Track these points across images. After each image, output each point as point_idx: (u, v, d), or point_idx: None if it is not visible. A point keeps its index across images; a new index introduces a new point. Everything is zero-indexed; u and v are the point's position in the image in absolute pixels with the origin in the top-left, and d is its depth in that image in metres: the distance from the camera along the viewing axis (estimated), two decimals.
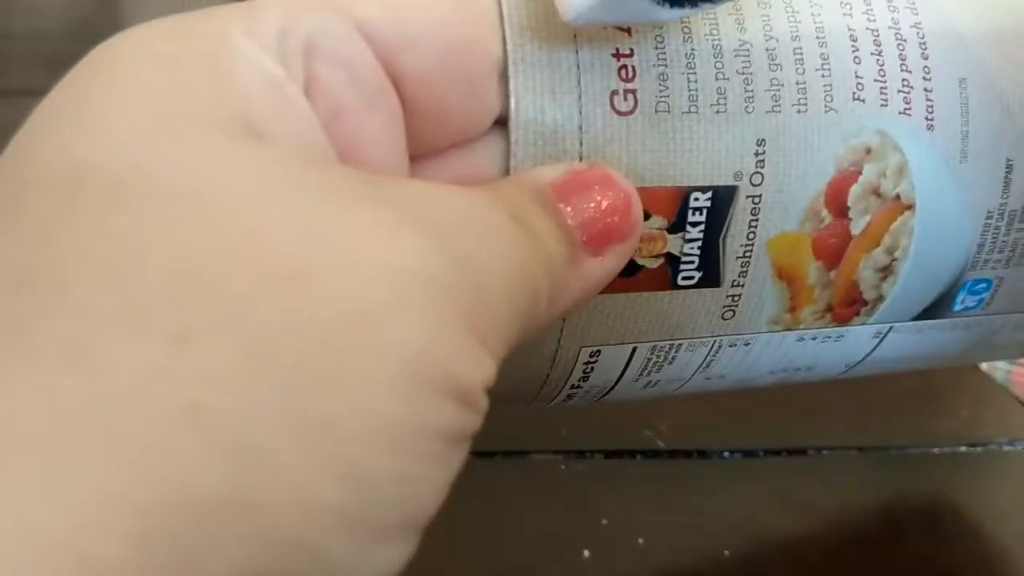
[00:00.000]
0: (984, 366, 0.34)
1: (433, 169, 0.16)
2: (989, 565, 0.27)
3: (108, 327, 0.10)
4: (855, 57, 0.18)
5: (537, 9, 0.16)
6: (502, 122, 0.16)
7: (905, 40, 0.18)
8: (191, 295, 0.11)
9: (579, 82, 0.16)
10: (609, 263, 0.15)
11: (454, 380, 0.12)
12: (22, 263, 0.11)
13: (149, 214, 0.11)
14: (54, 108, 0.13)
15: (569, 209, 0.15)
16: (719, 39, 0.17)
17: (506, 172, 0.16)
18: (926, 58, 0.18)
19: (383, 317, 0.11)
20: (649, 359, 0.19)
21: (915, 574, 0.27)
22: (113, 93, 0.13)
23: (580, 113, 0.16)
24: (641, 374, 0.20)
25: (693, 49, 0.17)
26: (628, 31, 0.16)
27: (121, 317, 0.10)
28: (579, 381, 0.19)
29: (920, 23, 0.19)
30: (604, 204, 0.15)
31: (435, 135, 0.16)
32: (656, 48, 0.17)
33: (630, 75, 0.16)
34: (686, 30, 0.17)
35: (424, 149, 0.16)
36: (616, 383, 0.20)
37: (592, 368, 0.19)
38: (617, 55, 0.16)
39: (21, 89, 0.59)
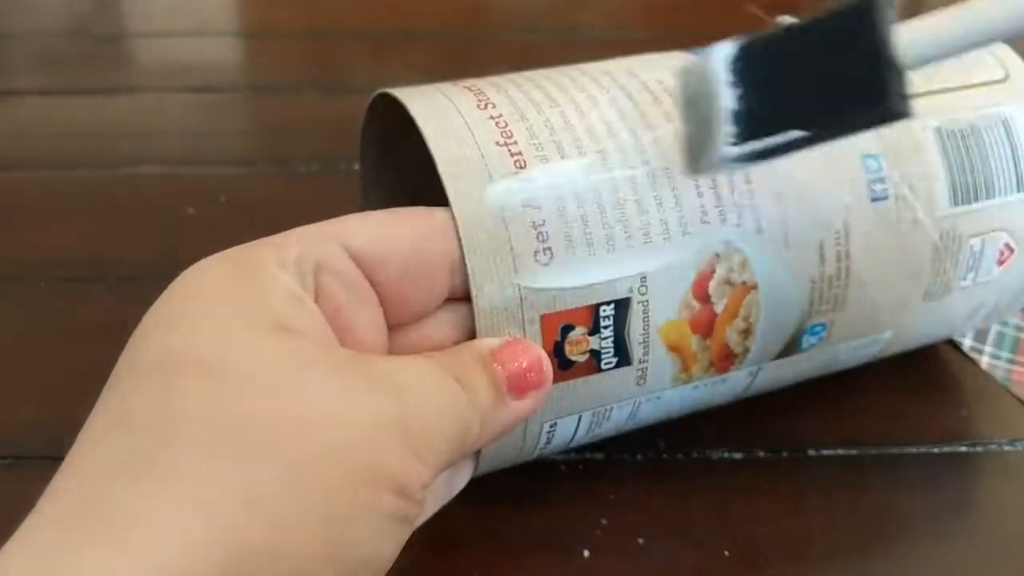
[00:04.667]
0: (984, 366, 0.34)
1: (404, 336, 0.24)
2: (989, 564, 0.28)
3: (200, 455, 0.18)
4: (698, 192, 0.25)
5: (478, 211, 0.23)
6: (449, 299, 0.23)
7: (733, 175, 0.25)
8: (245, 435, 0.18)
9: (513, 258, 0.23)
10: (528, 404, 0.23)
11: (397, 482, 0.19)
12: (143, 416, 0.18)
13: (221, 387, 0.18)
14: (160, 314, 0.20)
15: (499, 367, 0.22)
16: (602, 199, 0.24)
17: (454, 334, 0.24)
18: (750, 183, 0.26)
19: (356, 448, 0.19)
20: (592, 421, 0.26)
21: (915, 574, 0.27)
22: (195, 306, 0.20)
23: (515, 271, 0.23)
24: (588, 431, 0.27)
25: (585, 212, 0.24)
26: (539, 207, 0.23)
27: (207, 448, 0.18)
28: (544, 444, 0.26)
29: None
30: (524, 364, 0.22)
31: (403, 315, 0.23)
32: (559, 214, 0.23)
33: (545, 238, 0.23)
34: (580, 197, 0.24)
35: (397, 323, 0.23)
36: (571, 440, 0.27)
37: (552, 434, 0.26)
38: (534, 226, 0.23)
39: (21, 89, 0.59)
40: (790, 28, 0.22)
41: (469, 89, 0.26)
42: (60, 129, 0.53)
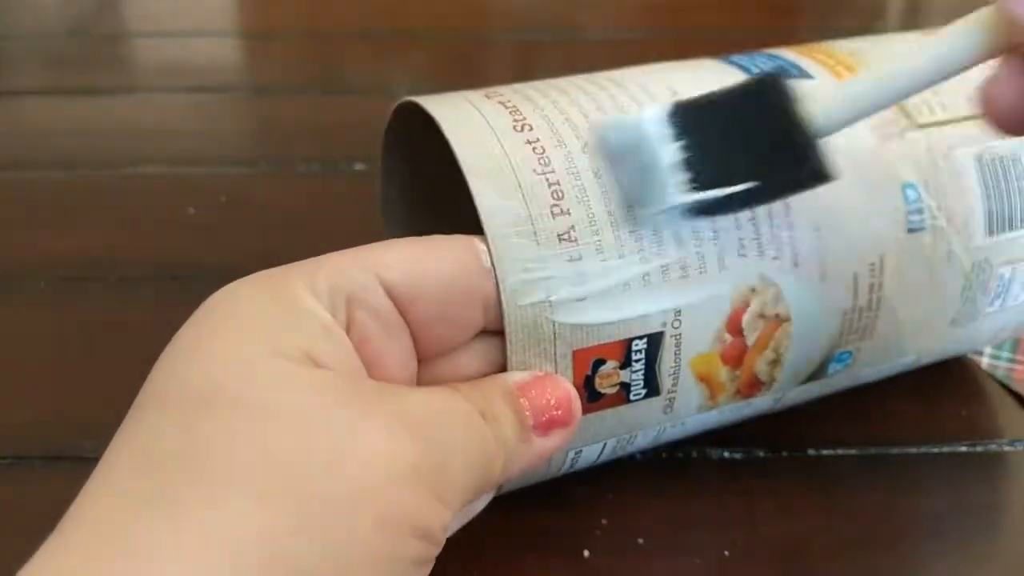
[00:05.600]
0: (984, 364, 0.34)
1: (434, 367, 0.23)
2: (989, 565, 0.28)
3: (222, 491, 0.17)
4: (737, 225, 0.24)
5: (514, 247, 0.22)
6: (483, 331, 0.23)
7: (772, 205, 0.25)
8: (268, 473, 0.18)
9: (549, 294, 0.22)
10: (554, 441, 0.22)
11: (419, 526, 0.19)
12: (168, 446, 0.18)
13: (248, 422, 0.18)
14: (186, 341, 0.20)
15: (527, 402, 0.22)
16: (639, 232, 0.23)
17: (484, 366, 0.23)
18: (789, 215, 0.25)
19: (380, 490, 0.18)
20: (616, 447, 0.26)
21: (915, 574, 0.27)
22: (222, 335, 0.20)
23: (550, 306, 0.22)
24: (611, 454, 0.27)
25: (623, 245, 0.23)
26: (576, 241, 0.23)
27: (229, 484, 0.17)
28: (568, 468, 0.26)
29: None
30: (552, 400, 0.22)
31: (435, 348, 0.23)
32: (596, 247, 0.23)
33: (581, 272, 0.23)
34: (616, 233, 0.23)
35: (428, 355, 0.23)
36: (594, 462, 0.27)
37: (576, 460, 0.26)
38: (570, 260, 0.23)
39: (22, 89, 0.59)
40: (712, 95, 0.23)
41: (504, 106, 0.25)
42: (60, 129, 0.53)
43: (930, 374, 0.33)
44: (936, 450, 0.31)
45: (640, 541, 0.27)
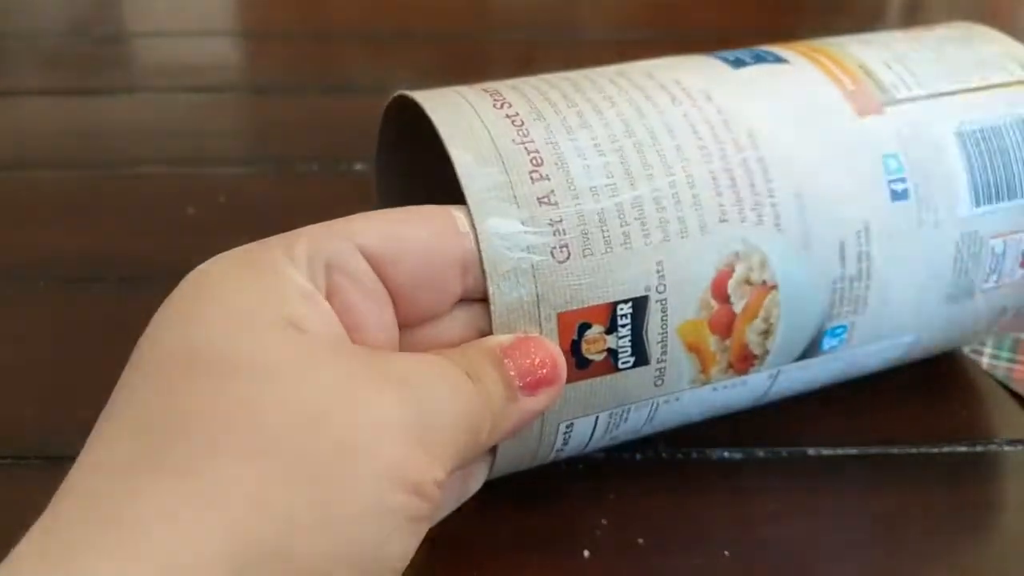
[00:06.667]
0: (984, 365, 0.34)
1: (416, 335, 0.23)
2: (989, 565, 0.28)
3: (211, 455, 0.17)
4: (717, 191, 0.25)
5: (499, 206, 0.23)
6: (463, 298, 0.23)
7: (752, 172, 0.26)
8: (256, 434, 0.18)
9: (530, 256, 0.23)
10: (541, 401, 0.23)
11: (410, 480, 0.19)
12: (154, 413, 0.18)
13: (233, 384, 0.18)
14: (170, 311, 0.20)
15: (511, 363, 0.22)
16: (620, 198, 0.24)
17: (467, 334, 0.23)
18: (770, 181, 0.26)
19: (368, 445, 0.19)
20: (609, 422, 0.26)
21: (915, 574, 0.27)
22: (206, 304, 0.20)
23: (532, 268, 0.23)
24: (605, 432, 0.26)
25: (603, 209, 0.24)
26: (556, 204, 0.23)
27: (217, 448, 0.18)
28: (561, 446, 0.26)
29: (763, 156, 0.26)
30: (536, 360, 0.22)
31: (416, 314, 0.23)
32: (576, 211, 0.23)
33: (562, 235, 0.23)
34: (596, 197, 0.24)
35: (410, 322, 0.23)
36: (588, 442, 0.27)
37: (569, 435, 0.26)
38: (551, 224, 0.23)
39: (21, 89, 0.59)
40: None
41: (486, 91, 0.26)
42: (60, 129, 0.53)
43: (930, 374, 0.33)
44: (935, 450, 0.31)
45: (640, 541, 0.27)
